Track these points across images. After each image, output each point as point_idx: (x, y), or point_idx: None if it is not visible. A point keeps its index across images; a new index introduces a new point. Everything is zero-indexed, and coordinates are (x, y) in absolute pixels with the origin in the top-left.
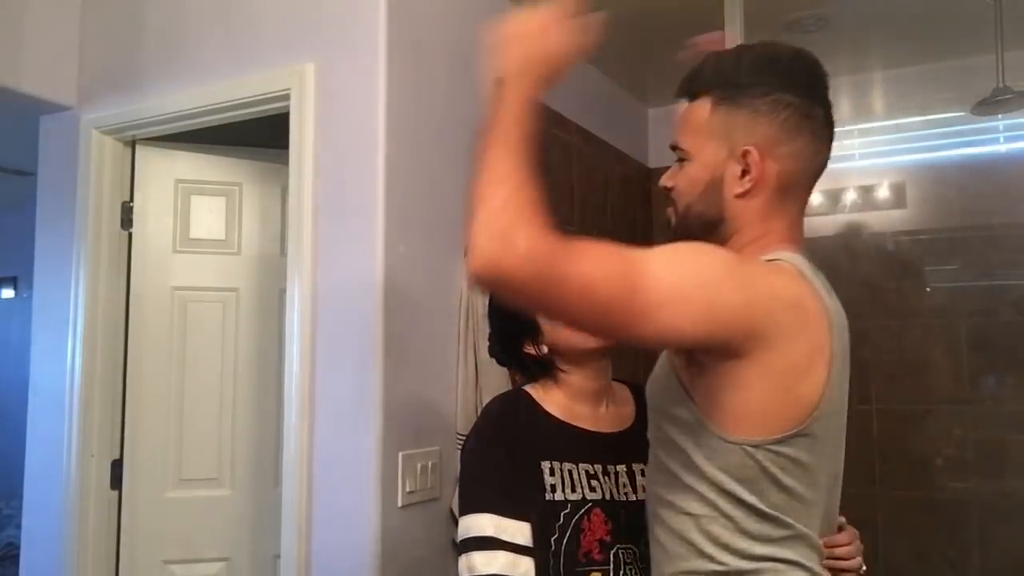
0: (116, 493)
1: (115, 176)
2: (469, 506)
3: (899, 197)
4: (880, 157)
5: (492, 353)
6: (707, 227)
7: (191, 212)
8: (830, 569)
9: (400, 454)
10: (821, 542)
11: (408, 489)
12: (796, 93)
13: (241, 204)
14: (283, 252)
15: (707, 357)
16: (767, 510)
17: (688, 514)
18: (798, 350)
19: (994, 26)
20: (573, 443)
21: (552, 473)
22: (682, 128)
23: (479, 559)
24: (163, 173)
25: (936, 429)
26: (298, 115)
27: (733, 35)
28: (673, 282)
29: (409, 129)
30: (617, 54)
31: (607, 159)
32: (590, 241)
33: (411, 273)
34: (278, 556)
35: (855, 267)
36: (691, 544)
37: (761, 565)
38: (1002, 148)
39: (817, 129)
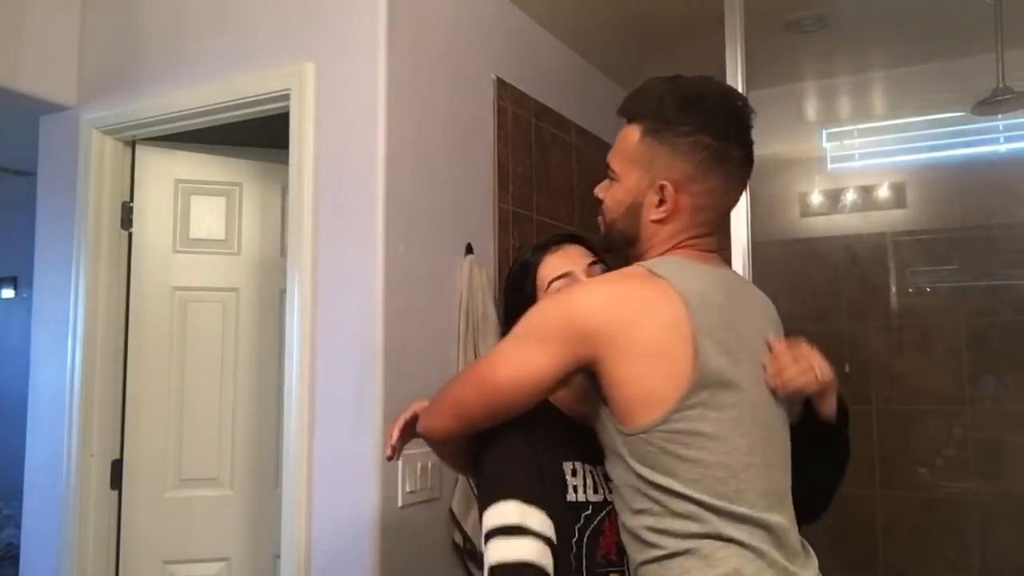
0: (116, 493)
1: (115, 176)
2: (494, 495)
3: (899, 197)
4: (880, 157)
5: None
6: (627, 241)
7: (191, 212)
8: (782, 385)
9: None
10: (773, 520)
11: (408, 489)
12: (715, 136)
13: (241, 204)
14: (283, 252)
15: (592, 368)
16: (687, 491)
17: (632, 510)
18: (644, 335)
19: (994, 26)
20: (592, 445)
21: (574, 474)
22: (615, 148)
23: (505, 547)
24: (163, 173)
25: (936, 429)
26: (298, 115)
27: (733, 35)
28: (503, 374)
29: (409, 129)
30: (617, 53)
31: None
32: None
33: (411, 273)
34: (278, 556)
35: (855, 267)
36: (638, 538)
37: (698, 543)
38: (1002, 148)
39: (731, 170)
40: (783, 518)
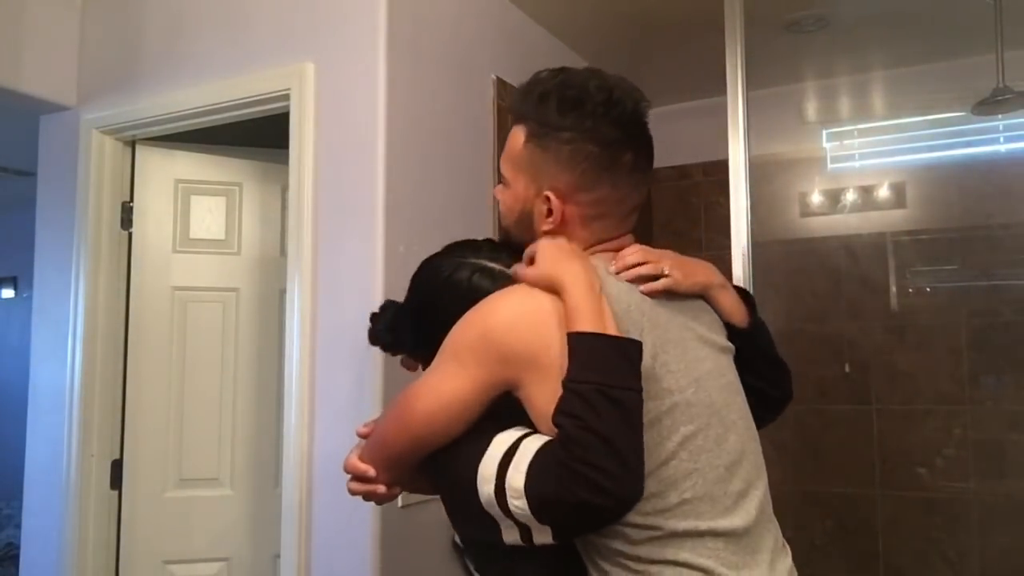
0: (116, 493)
1: (115, 176)
2: (473, 462)
3: (899, 197)
4: (880, 157)
5: (376, 339)
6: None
7: (191, 212)
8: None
9: None
10: (723, 525)
11: None
12: (598, 142)
13: (241, 204)
14: (283, 252)
15: (514, 393)
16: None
17: (587, 541)
18: (557, 351)
19: (994, 26)
20: None
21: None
22: (504, 151)
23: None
24: (163, 173)
25: (936, 429)
26: (298, 115)
27: (733, 35)
28: (421, 406)
29: (409, 129)
30: (618, 53)
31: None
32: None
33: (411, 273)
34: (278, 556)
35: (855, 267)
36: (597, 568)
37: (648, 568)
38: (1002, 148)
39: (621, 177)
40: (740, 519)
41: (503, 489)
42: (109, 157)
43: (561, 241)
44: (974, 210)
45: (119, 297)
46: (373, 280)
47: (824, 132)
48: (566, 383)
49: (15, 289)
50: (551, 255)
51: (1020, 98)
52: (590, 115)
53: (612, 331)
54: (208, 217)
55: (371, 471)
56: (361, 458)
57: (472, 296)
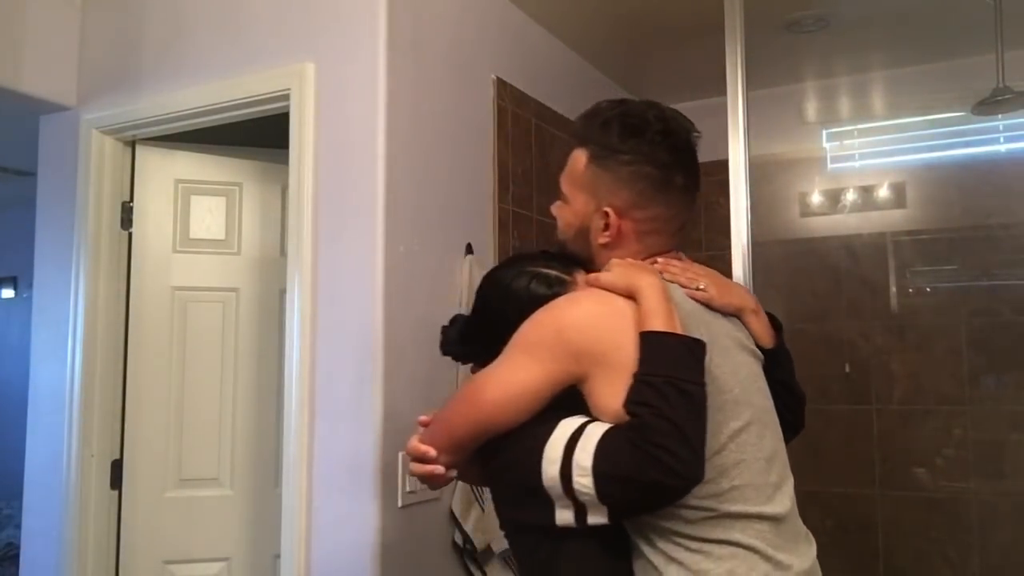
0: (116, 493)
1: (115, 176)
2: (537, 449)
3: (899, 197)
4: (880, 157)
5: (448, 351)
6: (581, 265)
7: (191, 212)
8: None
9: (400, 454)
10: (768, 511)
11: (408, 489)
12: (655, 165)
13: (241, 204)
14: (283, 252)
15: (579, 386)
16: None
17: (642, 522)
18: (630, 357)
19: (994, 26)
20: None
21: None
22: (565, 171)
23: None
24: (163, 173)
25: (936, 429)
26: (298, 115)
27: (733, 35)
28: (491, 394)
29: (409, 129)
30: (618, 53)
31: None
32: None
33: (411, 273)
34: (278, 556)
35: (855, 267)
36: (651, 545)
37: (693, 546)
38: (1002, 148)
39: (673, 197)
40: (782, 504)
41: (569, 468)
42: (109, 157)
43: (631, 259)
44: (974, 210)
45: (119, 297)
46: (373, 280)
47: (824, 132)
48: (641, 375)
49: (15, 289)
50: (626, 266)
51: (1020, 98)
52: (649, 141)
53: (681, 332)
54: (208, 217)
55: (432, 452)
56: (422, 441)
57: (532, 300)
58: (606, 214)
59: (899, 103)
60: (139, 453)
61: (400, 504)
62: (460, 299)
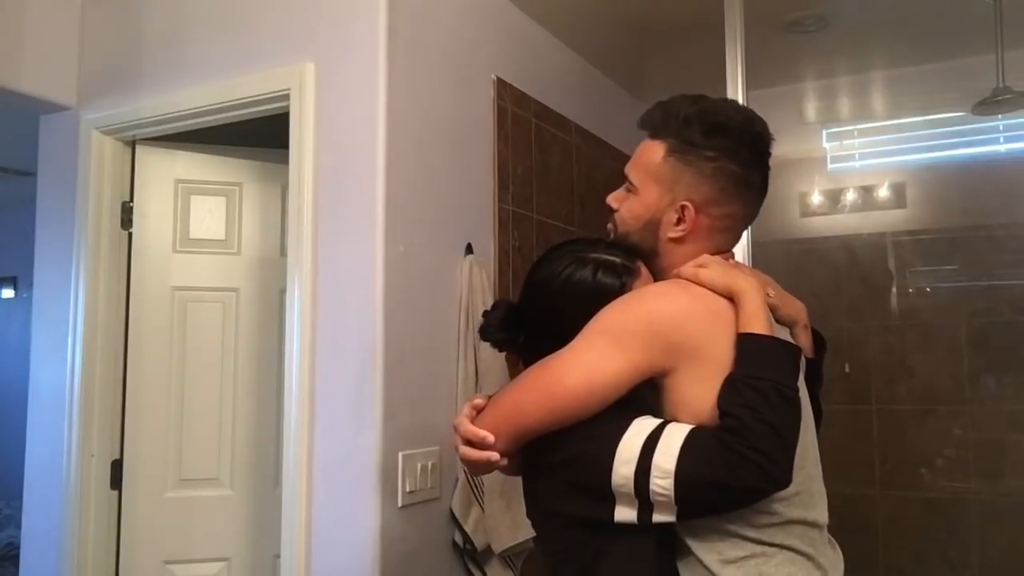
0: (116, 493)
1: (115, 176)
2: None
3: (899, 197)
4: (880, 157)
5: (488, 335)
6: (639, 255)
7: (191, 212)
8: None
9: (400, 454)
10: (820, 519)
11: (408, 489)
12: (739, 163)
13: (241, 204)
14: (283, 252)
15: (659, 379)
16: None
17: (700, 522)
18: (721, 354)
19: (994, 26)
20: None
21: None
22: (636, 161)
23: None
24: (163, 173)
25: (936, 429)
26: (298, 115)
27: (733, 35)
28: (574, 379)
29: (409, 129)
30: (617, 53)
31: (607, 159)
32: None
33: (411, 273)
34: (278, 556)
35: (855, 267)
36: (706, 544)
37: (752, 550)
38: (1002, 148)
39: (752, 196)
40: (823, 513)
41: (647, 469)
42: (109, 157)
43: (720, 258)
44: (974, 210)
45: (119, 297)
46: (373, 280)
47: (824, 132)
48: (743, 378)
49: (15, 289)
50: (723, 266)
51: (1020, 98)
52: (735, 139)
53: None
54: (208, 217)
55: (491, 438)
56: (480, 426)
57: (599, 290)
58: (683, 208)
59: (899, 103)
60: (139, 453)
61: (400, 504)
62: (460, 299)
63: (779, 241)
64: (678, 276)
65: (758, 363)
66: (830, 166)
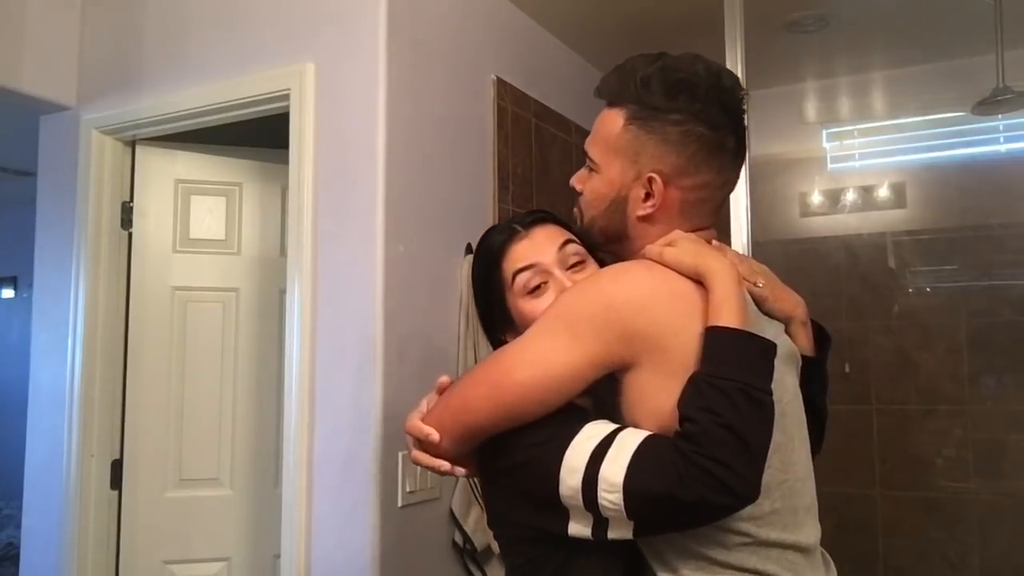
0: (116, 493)
1: (115, 176)
2: (559, 444)
3: (899, 197)
4: (880, 157)
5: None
6: (608, 239)
7: (191, 212)
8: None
9: (400, 454)
10: (803, 539)
11: (408, 489)
12: (708, 125)
13: (241, 204)
14: (283, 252)
15: (619, 375)
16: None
17: (665, 540)
18: (685, 345)
19: (994, 26)
20: None
21: None
22: (594, 135)
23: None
24: (163, 173)
25: (936, 429)
26: (298, 115)
27: (733, 35)
28: (523, 374)
29: (409, 129)
30: (618, 53)
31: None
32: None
33: (411, 273)
34: (278, 556)
35: (855, 267)
36: (668, 567)
37: (734, 574)
38: (1002, 148)
39: (726, 161)
40: (812, 533)
41: (593, 481)
42: (109, 157)
43: (694, 236)
44: (974, 210)
45: (119, 297)
46: (373, 280)
47: (824, 132)
48: (706, 377)
49: (15, 289)
50: (694, 244)
51: (1020, 98)
52: (702, 98)
53: (754, 330)
54: (208, 217)
55: (434, 435)
56: (426, 422)
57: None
58: (650, 181)
59: (899, 103)
60: (139, 453)
61: (400, 504)
62: (460, 299)
63: (779, 241)
64: (643, 257)
65: (724, 360)
66: (830, 166)
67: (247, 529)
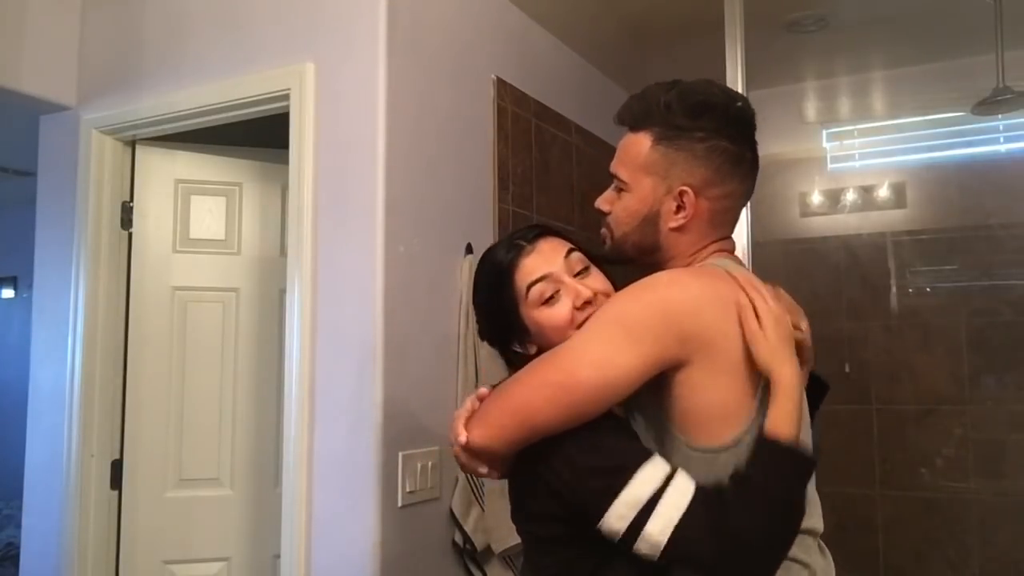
0: (116, 493)
1: (115, 176)
2: (612, 478)
3: (899, 197)
4: (880, 157)
5: (481, 336)
6: (642, 252)
7: (191, 212)
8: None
9: (400, 454)
10: (820, 527)
11: (408, 489)
12: (730, 140)
13: (241, 204)
14: (283, 252)
15: (669, 374)
16: None
17: None
18: (734, 347)
19: (994, 26)
20: None
21: None
22: (621, 158)
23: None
24: (163, 173)
25: (936, 429)
26: (298, 115)
27: (733, 35)
28: (587, 375)
29: (409, 129)
30: (617, 53)
31: (607, 159)
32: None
33: (411, 273)
34: (278, 556)
35: (855, 267)
36: None
37: None
38: (1002, 148)
39: (746, 172)
40: (822, 521)
41: (637, 532)
42: (109, 157)
43: (787, 320)
44: (974, 210)
45: (119, 297)
46: (373, 280)
47: (824, 132)
48: (753, 485)
49: (15, 289)
50: (778, 338)
51: (1020, 98)
52: (721, 116)
53: (800, 438)
54: (208, 217)
55: (463, 436)
56: (483, 424)
57: (491, 270)
58: (681, 194)
59: (899, 103)
60: (139, 453)
61: (400, 504)
62: (460, 299)
63: (779, 241)
64: (738, 306)
65: (775, 474)
66: (830, 166)
67: (247, 529)
